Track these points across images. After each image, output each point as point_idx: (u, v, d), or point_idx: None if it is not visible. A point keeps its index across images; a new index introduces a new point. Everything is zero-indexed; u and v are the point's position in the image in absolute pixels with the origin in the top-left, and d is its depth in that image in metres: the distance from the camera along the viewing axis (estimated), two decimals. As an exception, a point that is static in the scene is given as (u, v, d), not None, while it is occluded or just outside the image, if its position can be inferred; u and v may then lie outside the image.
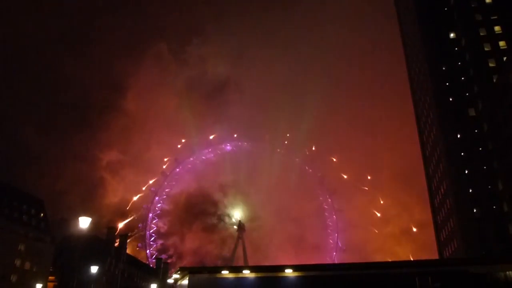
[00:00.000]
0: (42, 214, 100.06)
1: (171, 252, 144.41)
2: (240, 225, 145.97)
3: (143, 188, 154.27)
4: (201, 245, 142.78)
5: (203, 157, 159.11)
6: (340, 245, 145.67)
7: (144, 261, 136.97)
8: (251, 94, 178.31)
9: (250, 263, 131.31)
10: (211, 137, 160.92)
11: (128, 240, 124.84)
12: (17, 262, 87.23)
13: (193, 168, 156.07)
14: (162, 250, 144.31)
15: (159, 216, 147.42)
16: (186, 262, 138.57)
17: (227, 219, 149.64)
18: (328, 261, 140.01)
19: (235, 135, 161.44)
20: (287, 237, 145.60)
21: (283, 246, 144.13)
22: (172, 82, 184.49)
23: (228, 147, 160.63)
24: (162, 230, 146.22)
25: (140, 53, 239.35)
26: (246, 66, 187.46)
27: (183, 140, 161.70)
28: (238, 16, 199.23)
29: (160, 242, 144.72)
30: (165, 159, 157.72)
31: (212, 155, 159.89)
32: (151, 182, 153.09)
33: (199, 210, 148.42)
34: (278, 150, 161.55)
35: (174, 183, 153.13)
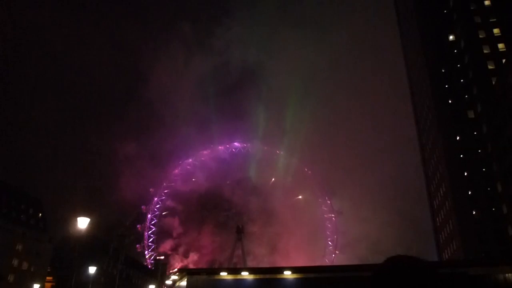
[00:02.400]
0: (40, 214, 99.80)
1: (178, 251, 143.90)
2: (239, 228, 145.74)
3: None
4: (213, 243, 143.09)
5: (202, 158, 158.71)
6: (339, 247, 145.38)
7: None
8: (274, 88, 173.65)
9: (249, 265, 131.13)
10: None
11: (131, 238, 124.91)
12: (15, 262, 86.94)
13: (193, 169, 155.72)
14: (170, 249, 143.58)
15: (158, 217, 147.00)
16: (195, 260, 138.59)
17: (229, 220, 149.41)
18: (327, 263, 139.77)
19: (245, 136, 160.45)
20: (286, 239, 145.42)
21: (282, 247, 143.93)
22: (195, 71, 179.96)
23: (233, 149, 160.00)
24: (164, 230, 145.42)
25: (164, 38, 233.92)
26: (273, 54, 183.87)
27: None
28: None
29: (166, 241, 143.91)
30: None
31: (213, 156, 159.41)
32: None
33: (209, 208, 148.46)
34: (278, 151, 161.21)
35: (173, 184, 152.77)
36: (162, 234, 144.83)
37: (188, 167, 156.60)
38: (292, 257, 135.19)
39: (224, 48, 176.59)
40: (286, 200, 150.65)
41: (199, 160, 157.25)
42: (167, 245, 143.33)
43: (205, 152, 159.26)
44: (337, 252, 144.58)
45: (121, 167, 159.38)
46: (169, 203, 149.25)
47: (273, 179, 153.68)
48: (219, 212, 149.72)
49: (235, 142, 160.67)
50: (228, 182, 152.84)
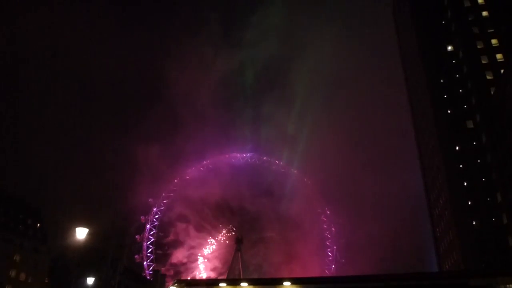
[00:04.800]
0: (39, 224, 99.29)
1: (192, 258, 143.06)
2: (238, 239, 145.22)
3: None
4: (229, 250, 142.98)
5: (201, 169, 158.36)
6: (339, 258, 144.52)
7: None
8: (295, 92, 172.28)
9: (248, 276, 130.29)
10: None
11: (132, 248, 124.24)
12: (12, 273, 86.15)
13: (192, 179, 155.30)
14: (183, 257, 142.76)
15: (157, 227, 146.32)
16: (216, 267, 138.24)
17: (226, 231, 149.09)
18: (326, 274, 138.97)
19: (247, 144, 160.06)
20: (285, 249, 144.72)
21: (281, 259, 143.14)
22: (218, 72, 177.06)
23: (232, 159, 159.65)
24: (177, 238, 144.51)
25: (190, 34, 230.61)
26: (299, 52, 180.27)
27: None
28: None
29: (179, 249, 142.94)
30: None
31: (211, 166, 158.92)
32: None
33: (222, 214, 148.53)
34: (277, 161, 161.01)
35: (172, 194, 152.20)
36: (175, 242, 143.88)
37: (187, 177, 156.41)
38: (300, 267, 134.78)
39: (245, 46, 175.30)
40: (290, 210, 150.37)
41: (198, 170, 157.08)
42: (179, 254, 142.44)
43: (205, 162, 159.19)
44: (336, 265, 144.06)
45: (123, 176, 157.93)
46: (180, 210, 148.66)
47: (274, 188, 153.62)
48: (233, 218, 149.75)
49: (235, 152, 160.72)
50: (238, 189, 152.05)
